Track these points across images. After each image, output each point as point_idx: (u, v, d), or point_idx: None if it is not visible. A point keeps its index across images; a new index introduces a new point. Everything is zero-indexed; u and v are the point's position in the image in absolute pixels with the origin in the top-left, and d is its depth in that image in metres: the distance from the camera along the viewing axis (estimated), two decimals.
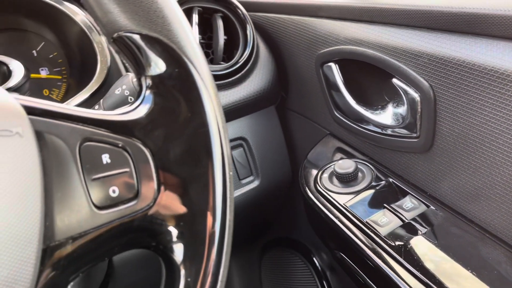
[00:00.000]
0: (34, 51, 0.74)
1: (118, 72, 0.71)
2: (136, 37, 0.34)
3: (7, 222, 0.23)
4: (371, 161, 0.74)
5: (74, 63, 0.75)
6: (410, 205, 0.62)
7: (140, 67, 0.34)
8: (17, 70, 0.66)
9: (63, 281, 0.28)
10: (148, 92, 0.33)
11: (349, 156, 0.78)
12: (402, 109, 0.63)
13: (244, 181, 0.87)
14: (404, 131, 0.63)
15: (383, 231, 0.59)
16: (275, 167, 0.92)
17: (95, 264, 0.31)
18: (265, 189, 0.90)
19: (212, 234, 0.32)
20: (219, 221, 0.32)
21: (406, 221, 0.60)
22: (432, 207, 0.62)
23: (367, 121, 0.69)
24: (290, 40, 0.84)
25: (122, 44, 0.34)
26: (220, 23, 0.85)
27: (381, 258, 0.57)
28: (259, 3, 0.92)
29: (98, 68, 0.68)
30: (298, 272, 1.08)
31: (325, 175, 0.73)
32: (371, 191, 0.67)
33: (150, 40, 0.34)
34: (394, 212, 0.61)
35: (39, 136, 0.27)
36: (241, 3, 0.87)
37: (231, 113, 0.84)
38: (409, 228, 0.59)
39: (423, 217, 0.60)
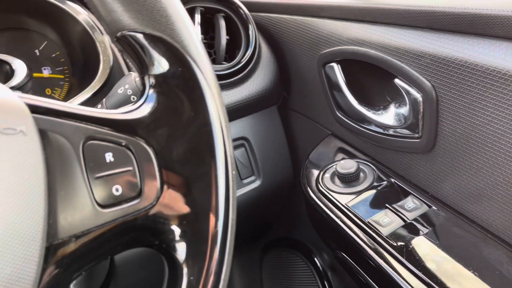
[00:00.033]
0: (36, 50, 0.74)
1: (121, 71, 0.71)
2: (140, 36, 0.34)
3: (11, 220, 0.23)
4: (373, 161, 0.74)
5: (77, 63, 0.75)
6: (412, 205, 0.62)
7: (143, 66, 0.34)
8: (20, 69, 0.66)
9: (66, 279, 0.28)
10: (151, 91, 0.33)
11: (351, 156, 0.78)
12: (404, 110, 0.63)
13: (245, 181, 0.87)
14: (406, 132, 0.63)
15: (385, 231, 0.59)
16: (277, 167, 0.92)
17: (98, 262, 0.31)
18: (266, 189, 0.90)
19: (215, 233, 0.32)
20: (221, 220, 0.33)
21: (408, 221, 0.60)
22: (434, 207, 0.62)
23: (369, 121, 0.69)
24: (292, 40, 0.84)
25: (125, 43, 0.34)
26: (222, 23, 0.85)
27: (383, 258, 0.57)
28: (261, 3, 0.92)
29: (100, 67, 0.68)
30: (299, 272, 1.08)
31: (327, 175, 0.73)
32: (373, 191, 0.67)
33: (153, 39, 0.34)
34: (396, 212, 0.61)
35: (43, 135, 0.27)
36: (243, 3, 0.87)
37: (233, 113, 0.84)
38: (411, 228, 0.59)
39: (425, 217, 0.60)
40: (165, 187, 0.31)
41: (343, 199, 0.67)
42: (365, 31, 0.67)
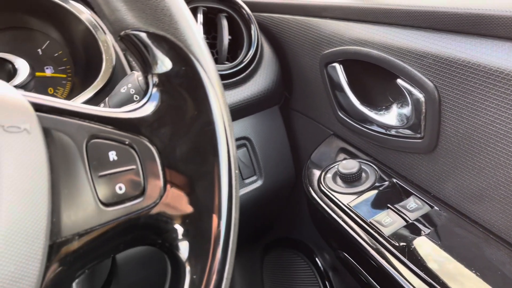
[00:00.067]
0: (39, 50, 0.74)
1: (123, 71, 0.72)
2: (143, 35, 0.34)
3: (15, 218, 0.23)
4: (375, 161, 0.74)
5: (79, 62, 0.75)
6: (414, 206, 0.62)
7: (147, 65, 0.34)
8: (22, 68, 0.67)
9: (69, 277, 0.28)
10: (154, 90, 0.34)
11: (353, 156, 0.78)
12: (407, 110, 0.63)
13: (247, 181, 0.87)
14: (408, 132, 0.63)
15: (387, 231, 0.59)
16: (279, 167, 0.92)
17: (101, 260, 0.31)
18: (268, 189, 0.90)
19: (218, 232, 0.32)
20: (224, 219, 0.33)
21: (410, 221, 0.60)
22: (436, 207, 0.62)
23: (371, 121, 0.69)
24: (294, 40, 0.84)
25: (129, 42, 0.35)
26: (224, 23, 0.85)
27: (385, 258, 0.57)
28: (263, 3, 0.92)
29: (103, 66, 0.68)
30: (300, 272, 1.08)
31: (329, 175, 0.73)
32: (375, 192, 0.67)
33: (157, 38, 0.34)
34: (398, 213, 0.61)
35: (47, 133, 0.27)
36: (246, 3, 0.87)
37: (235, 113, 0.84)
38: (413, 229, 0.59)
39: (427, 218, 0.60)
40: (168, 186, 0.32)
41: (345, 199, 0.67)
42: (367, 31, 0.67)
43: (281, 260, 1.14)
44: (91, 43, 0.71)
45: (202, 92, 0.34)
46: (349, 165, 0.69)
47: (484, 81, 0.51)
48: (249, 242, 1.22)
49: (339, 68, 0.72)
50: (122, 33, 0.34)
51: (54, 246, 0.26)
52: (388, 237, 0.58)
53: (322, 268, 1.02)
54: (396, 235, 0.58)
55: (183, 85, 0.34)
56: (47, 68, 0.75)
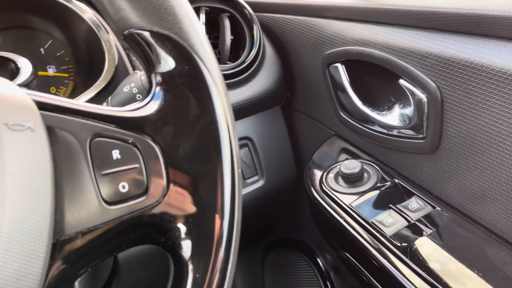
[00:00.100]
0: (41, 49, 0.75)
1: (126, 70, 0.72)
2: (147, 34, 0.34)
3: (18, 216, 0.23)
4: (377, 161, 0.74)
5: (82, 61, 0.76)
6: (416, 206, 0.62)
7: (150, 64, 0.35)
8: (25, 67, 0.67)
9: (73, 275, 0.28)
10: (158, 89, 0.34)
11: (355, 156, 0.78)
12: (409, 110, 0.63)
13: (249, 181, 0.87)
14: (410, 132, 0.63)
15: (389, 232, 0.59)
16: (280, 167, 0.92)
17: (104, 259, 0.31)
18: (269, 189, 0.90)
19: (221, 231, 0.32)
20: (227, 218, 0.33)
21: (412, 221, 0.60)
22: (438, 208, 0.62)
23: (373, 121, 0.69)
24: (296, 40, 0.84)
25: (132, 41, 0.35)
26: (227, 23, 0.85)
27: (387, 258, 0.57)
28: (265, 4, 0.92)
29: (105, 66, 0.68)
30: (301, 273, 1.08)
31: (331, 175, 0.73)
32: (377, 192, 0.67)
33: (160, 38, 0.34)
34: (400, 213, 0.61)
35: (50, 131, 0.27)
36: (248, 3, 0.87)
37: (236, 112, 0.84)
38: (415, 229, 0.59)
39: (429, 218, 0.60)
40: (171, 184, 0.32)
41: (347, 199, 0.67)
42: (369, 32, 0.67)
43: (282, 260, 1.14)
44: (94, 43, 0.71)
45: (205, 91, 0.34)
46: (351, 165, 0.69)
47: (487, 82, 0.51)
48: (250, 242, 1.22)
49: (341, 68, 0.72)
50: (126, 32, 0.34)
51: (58, 244, 0.26)
52: (390, 237, 0.58)
53: (323, 269, 1.02)
54: (398, 235, 0.58)
55: (186, 84, 0.34)
56: (49, 68, 0.75)
